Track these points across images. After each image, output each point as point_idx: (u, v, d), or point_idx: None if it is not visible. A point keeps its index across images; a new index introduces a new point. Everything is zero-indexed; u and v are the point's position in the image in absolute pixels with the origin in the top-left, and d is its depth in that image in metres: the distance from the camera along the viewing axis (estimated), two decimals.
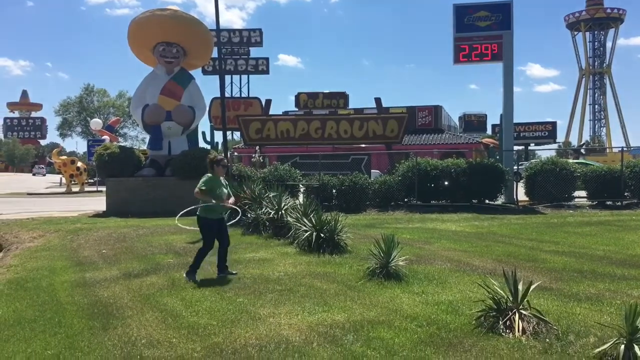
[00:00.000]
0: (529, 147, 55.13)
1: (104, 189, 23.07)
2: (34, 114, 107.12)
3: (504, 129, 20.61)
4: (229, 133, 46.96)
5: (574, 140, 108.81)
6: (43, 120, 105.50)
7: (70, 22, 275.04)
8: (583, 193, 19.73)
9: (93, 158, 23.54)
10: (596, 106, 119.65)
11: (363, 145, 23.48)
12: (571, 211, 17.64)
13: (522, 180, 20.06)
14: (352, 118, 21.53)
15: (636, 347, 4.32)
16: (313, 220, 10.23)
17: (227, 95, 49.34)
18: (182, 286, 7.56)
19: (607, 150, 73.79)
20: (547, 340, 4.95)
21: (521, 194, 19.50)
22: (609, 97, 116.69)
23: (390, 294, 6.82)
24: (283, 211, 11.91)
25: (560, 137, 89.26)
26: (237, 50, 53.81)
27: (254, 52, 54.84)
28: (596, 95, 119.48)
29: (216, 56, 35.09)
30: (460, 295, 6.74)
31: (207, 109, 33.61)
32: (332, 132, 21.14)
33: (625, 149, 20.02)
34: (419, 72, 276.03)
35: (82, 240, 12.69)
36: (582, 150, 67.92)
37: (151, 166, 19.67)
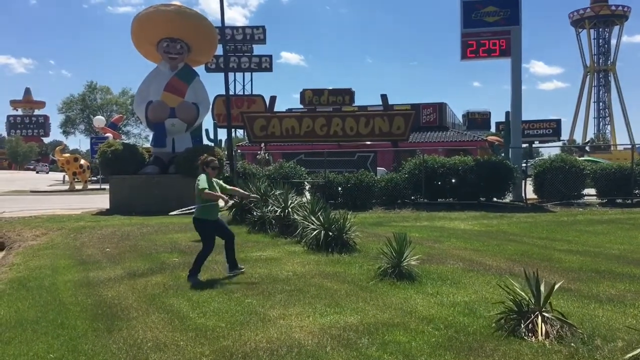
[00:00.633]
0: (533, 145, 54.81)
1: (107, 186, 22.94)
2: (37, 112, 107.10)
3: (512, 125, 20.37)
4: (232, 131, 46.75)
5: (578, 138, 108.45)
6: (46, 118, 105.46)
7: (73, 20, 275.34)
8: (592, 191, 19.49)
9: (96, 155, 23.36)
10: (600, 104, 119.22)
11: (369, 143, 23.24)
12: (581, 209, 17.39)
13: (529, 178, 19.82)
14: (358, 115, 21.27)
15: None
16: (321, 218, 10.01)
17: (230, 92, 49.21)
18: (188, 286, 7.35)
19: (612, 148, 73.50)
20: (573, 344, 4.71)
21: (529, 191, 19.26)
22: (613, 94, 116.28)
23: (403, 295, 6.59)
24: (290, 209, 11.70)
25: (565, 135, 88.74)
26: (240, 48, 53.58)
27: (257, 49, 54.63)
28: (601, 92, 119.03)
29: (220, 54, 35.01)
30: (476, 296, 6.51)
31: (211, 106, 33.55)
32: (337, 129, 20.90)
33: (635, 145, 19.64)
34: (422, 70, 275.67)
35: (85, 238, 12.50)
36: (587, 148, 67.51)
37: (155, 164, 19.47)
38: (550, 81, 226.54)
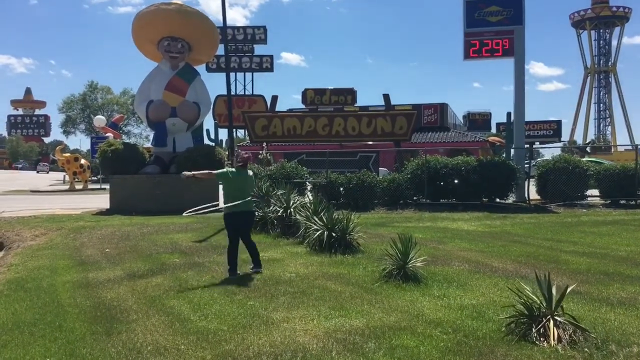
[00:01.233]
0: (534, 146, 54.64)
1: (107, 186, 22.78)
2: (37, 112, 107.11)
3: (515, 125, 20.21)
4: (234, 131, 46.61)
5: (578, 139, 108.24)
6: (47, 117, 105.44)
7: (74, 20, 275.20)
8: (595, 192, 19.34)
9: (97, 155, 23.20)
10: (601, 105, 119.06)
11: (370, 143, 23.09)
12: (585, 210, 17.24)
13: (532, 179, 19.66)
14: (360, 115, 21.12)
15: None
16: (324, 218, 9.86)
17: (232, 92, 49.07)
18: (189, 288, 7.21)
19: (613, 149, 73.32)
20: (587, 350, 4.57)
21: (532, 192, 19.11)
22: (614, 95, 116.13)
23: (409, 297, 6.45)
24: (292, 209, 11.55)
25: (565, 136, 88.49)
26: (241, 48, 53.51)
27: (258, 49, 54.55)
28: (601, 93, 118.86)
29: (221, 54, 34.85)
30: (483, 298, 6.37)
31: (212, 106, 33.40)
32: (339, 129, 20.74)
33: (638, 146, 19.49)
34: (422, 71, 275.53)
35: (85, 238, 12.35)
36: (588, 149, 67.34)
37: (155, 163, 19.31)
38: (550, 82, 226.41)
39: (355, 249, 9.49)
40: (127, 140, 56.83)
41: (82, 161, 36.05)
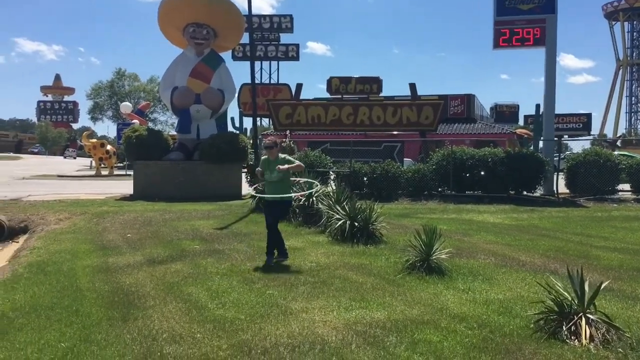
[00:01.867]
0: (562, 139, 53.55)
1: (132, 172, 22.87)
2: (66, 98, 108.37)
3: (545, 117, 19.71)
4: (258, 119, 46.65)
5: (609, 133, 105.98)
6: (75, 104, 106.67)
7: (103, 8, 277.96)
8: (626, 186, 18.81)
9: (121, 140, 23.32)
10: (633, 98, 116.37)
11: (395, 133, 22.75)
12: (615, 205, 16.75)
13: (560, 172, 19.18)
14: (386, 104, 20.77)
15: None
16: (346, 208, 9.68)
17: (257, 81, 49.03)
18: (207, 275, 7.10)
19: None
20: (620, 350, 4.33)
21: (561, 185, 18.64)
22: None
23: (433, 290, 6.24)
24: (314, 198, 11.39)
25: (595, 130, 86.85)
26: (267, 37, 53.44)
27: (284, 38, 54.41)
28: (633, 86, 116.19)
29: (247, 42, 34.75)
30: (510, 293, 6.13)
31: (237, 94, 33.31)
32: (364, 118, 20.44)
33: None
34: (449, 62, 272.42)
35: (107, 223, 12.37)
36: (619, 143, 65.86)
37: (179, 150, 19.31)
38: (580, 75, 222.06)
39: (377, 240, 9.29)
40: (154, 128, 57.31)
41: (108, 147, 36.38)
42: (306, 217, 11.35)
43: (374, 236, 9.32)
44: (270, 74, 56.98)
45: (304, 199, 11.50)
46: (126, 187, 21.02)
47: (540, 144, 20.66)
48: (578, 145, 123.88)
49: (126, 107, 37.17)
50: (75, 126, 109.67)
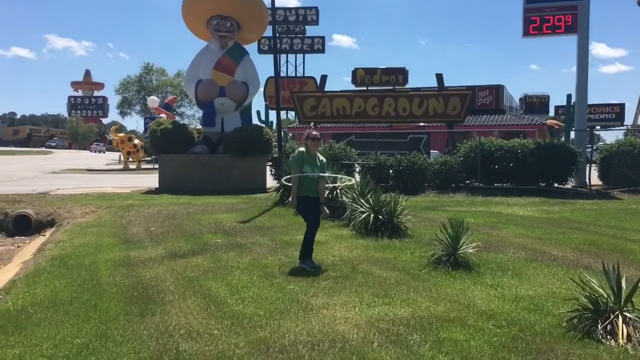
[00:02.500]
0: (595, 130, 52.32)
1: None
2: (96, 93, 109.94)
3: (577, 106, 19.17)
4: (283, 113, 46.68)
5: None
6: (105, 99, 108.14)
7: (131, 3, 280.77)
8: None
9: (146, 134, 23.43)
10: None
11: (422, 124, 22.40)
12: None
13: (593, 164, 18.64)
14: (412, 95, 20.44)
15: None
16: (370, 201, 9.46)
17: (282, 74, 48.93)
18: (228, 269, 6.97)
19: None
20: None
21: (593, 177, 18.12)
22: None
23: (459, 286, 6.01)
24: (338, 191, 11.19)
25: (628, 120, 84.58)
26: (292, 29, 53.23)
27: (310, 31, 54.13)
28: None
29: (272, 35, 34.69)
30: (541, 289, 5.86)
31: (262, 87, 33.21)
32: (389, 109, 20.15)
33: None
34: (478, 53, 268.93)
35: (132, 217, 12.37)
36: None
37: (204, 143, 19.30)
38: (612, 64, 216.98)
39: (402, 233, 9.06)
40: (181, 122, 57.70)
41: (136, 141, 36.69)
42: (330, 210, 11.14)
43: (398, 229, 9.09)
44: (295, 67, 56.80)
45: (327, 192, 11.32)
46: (153, 180, 21.11)
47: (572, 134, 20.13)
48: (610, 136, 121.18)
49: (153, 101, 37.34)
50: (105, 121, 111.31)
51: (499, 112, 43.50)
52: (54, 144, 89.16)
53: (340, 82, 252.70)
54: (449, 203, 14.97)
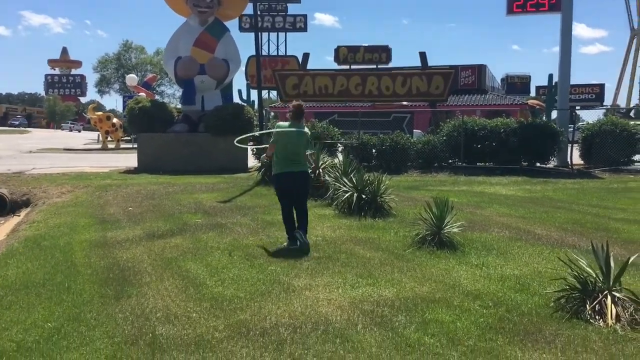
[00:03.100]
0: (575, 110, 52.56)
1: None
2: (74, 71, 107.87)
3: (559, 86, 19.12)
4: (265, 92, 46.13)
5: (622, 104, 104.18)
6: (83, 77, 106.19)
7: None
8: None
9: (125, 112, 22.98)
10: None
11: (405, 103, 22.22)
12: (632, 176, 16.27)
13: (575, 143, 18.68)
14: (395, 74, 20.20)
15: None
16: (354, 180, 9.30)
17: (264, 53, 48.33)
18: (207, 250, 6.79)
19: None
20: None
21: (575, 156, 18.16)
22: None
23: (444, 266, 5.90)
24: (320, 170, 11.01)
25: (608, 101, 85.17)
26: (274, 7, 52.52)
27: (292, 9, 53.48)
28: None
29: (252, 12, 34.13)
30: (527, 269, 5.77)
31: (244, 66, 32.75)
32: (372, 88, 19.93)
33: None
34: (459, 33, 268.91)
35: (110, 196, 12.09)
36: (632, 114, 64.80)
37: (184, 122, 18.94)
38: (592, 45, 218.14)
39: (386, 213, 8.93)
40: (161, 101, 56.86)
41: (115, 120, 36.06)
42: (312, 189, 10.96)
43: (382, 209, 8.96)
44: (277, 46, 56.28)
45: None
46: (131, 160, 20.73)
47: (553, 114, 20.14)
48: (590, 116, 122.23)
49: (132, 79, 36.61)
50: (83, 100, 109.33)
51: (481, 92, 43.51)
52: (17, 123, 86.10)
53: (322, 61, 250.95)
54: (431, 182, 14.90)
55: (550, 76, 19.95)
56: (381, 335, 4.04)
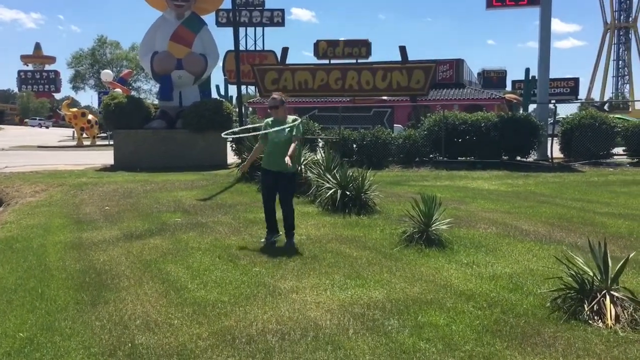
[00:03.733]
0: (549, 104, 52.97)
1: None
2: (47, 67, 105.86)
3: (539, 79, 19.19)
4: (244, 87, 45.66)
5: (596, 97, 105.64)
6: (57, 73, 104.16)
7: None
8: (621, 150, 18.47)
9: (100, 108, 22.48)
10: (620, 62, 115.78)
11: (384, 98, 22.06)
12: (611, 169, 16.36)
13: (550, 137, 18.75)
14: (375, 68, 20.02)
15: None
16: (337, 176, 9.11)
17: (241, 48, 47.78)
18: (188, 251, 6.54)
19: (630, 107, 71.28)
20: None
21: (555, 150, 18.20)
22: (633, 52, 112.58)
23: (434, 265, 5.73)
24: (302, 166, 10.79)
25: (582, 95, 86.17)
26: (251, 2, 51.93)
27: (269, 3, 53.08)
28: (620, 50, 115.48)
29: (230, 7, 33.65)
30: (518, 266, 5.63)
31: (222, 61, 32.28)
32: (353, 82, 19.72)
33: None
34: (435, 28, 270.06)
35: (85, 195, 11.73)
36: (606, 107, 65.61)
37: (161, 118, 18.55)
38: (566, 39, 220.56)
39: (371, 209, 8.75)
40: (137, 97, 55.94)
41: (90, 117, 35.38)
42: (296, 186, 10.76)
43: (366, 206, 8.78)
44: (255, 41, 55.70)
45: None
46: (108, 157, 20.26)
47: (530, 108, 20.17)
48: (565, 110, 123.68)
49: (107, 75, 35.88)
50: (57, 96, 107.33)
51: (459, 86, 43.58)
52: None
53: (300, 56, 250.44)
54: (414, 177, 14.78)
55: (527, 70, 19.99)
56: (374, 341, 3.85)
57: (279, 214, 6.77)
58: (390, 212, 8.67)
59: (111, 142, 30.98)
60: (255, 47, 53.84)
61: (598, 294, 4.12)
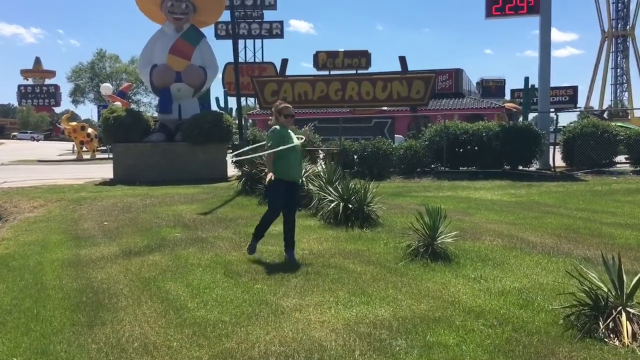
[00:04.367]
0: (551, 112, 52.90)
1: None
2: (47, 81, 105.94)
3: (540, 89, 19.08)
4: (243, 99, 45.66)
5: (595, 106, 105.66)
6: (57, 87, 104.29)
7: None
8: (621, 158, 18.37)
9: (99, 121, 22.39)
10: (618, 70, 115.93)
11: (385, 108, 21.96)
12: (614, 177, 16.22)
13: (557, 145, 18.63)
14: (375, 79, 19.96)
15: None
16: (339, 189, 8.97)
17: (240, 60, 47.83)
18: (188, 267, 6.38)
19: (630, 115, 71.26)
20: None
21: (557, 159, 18.07)
22: (631, 60, 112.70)
23: (440, 280, 5.58)
24: (304, 179, 10.65)
25: (581, 103, 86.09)
26: (250, 14, 52.06)
27: (268, 15, 53.10)
28: (618, 58, 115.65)
29: (229, 19, 33.65)
30: (527, 281, 5.48)
31: (221, 73, 32.24)
32: (353, 93, 19.64)
33: None
34: (433, 39, 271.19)
35: (84, 210, 11.60)
36: (605, 115, 65.58)
37: (160, 131, 18.46)
38: (564, 48, 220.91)
39: (374, 222, 8.60)
40: (137, 110, 55.90)
41: (90, 130, 35.26)
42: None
43: (369, 218, 8.63)
44: (254, 53, 55.87)
45: None
46: (107, 171, 20.15)
47: (530, 117, 20.08)
48: (564, 119, 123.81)
49: (106, 88, 35.78)
50: (57, 110, 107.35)
51: (458, 96, 43.59)
52: None
53: (299, 67, 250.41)
54: (415, 188, 14.65)
55: (527, 79, 19.92)
56: None
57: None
58: (394, 225, 8.52)
59: (111, 156, 30.90)
60: (254, 59, 53.98)
61: (613, 310, 3.96)
